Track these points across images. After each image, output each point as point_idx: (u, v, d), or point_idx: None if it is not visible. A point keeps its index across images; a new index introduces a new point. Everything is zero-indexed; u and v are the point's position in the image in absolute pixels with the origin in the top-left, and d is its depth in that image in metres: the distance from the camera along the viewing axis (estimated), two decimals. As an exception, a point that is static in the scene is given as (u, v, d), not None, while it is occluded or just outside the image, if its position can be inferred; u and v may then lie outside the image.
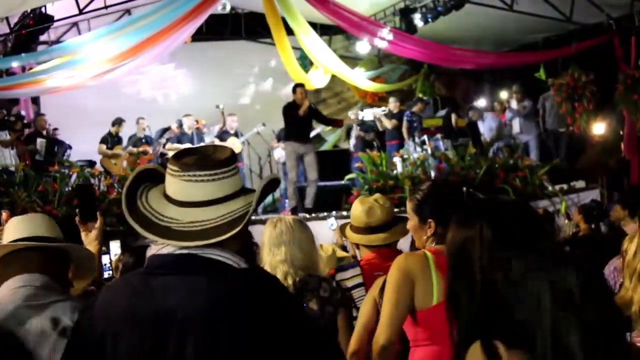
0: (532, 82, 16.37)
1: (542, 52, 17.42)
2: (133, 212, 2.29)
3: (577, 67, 15.43)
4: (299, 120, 13.35)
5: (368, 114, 16.50)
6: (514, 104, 15.98)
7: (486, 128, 16.51)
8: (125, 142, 15.48)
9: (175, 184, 2.27)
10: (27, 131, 14.64)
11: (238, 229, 2.20)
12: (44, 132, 14.87)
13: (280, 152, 15.73)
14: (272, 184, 2.40)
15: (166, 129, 15.68)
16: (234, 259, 2.21)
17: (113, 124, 15.41)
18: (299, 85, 13.90)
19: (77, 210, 3.73)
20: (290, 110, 13.43)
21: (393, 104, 16.41)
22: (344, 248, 7.62)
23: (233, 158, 2.32)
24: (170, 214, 2.25)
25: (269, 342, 2.10)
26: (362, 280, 4.53)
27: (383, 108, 16.66)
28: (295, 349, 2.19)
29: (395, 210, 5.11)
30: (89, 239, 3.60)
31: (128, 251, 4.59)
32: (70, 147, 15.05)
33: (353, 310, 4.32)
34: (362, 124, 16.34)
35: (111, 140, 15.27)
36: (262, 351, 2.09)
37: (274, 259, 4.18)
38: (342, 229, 5.08)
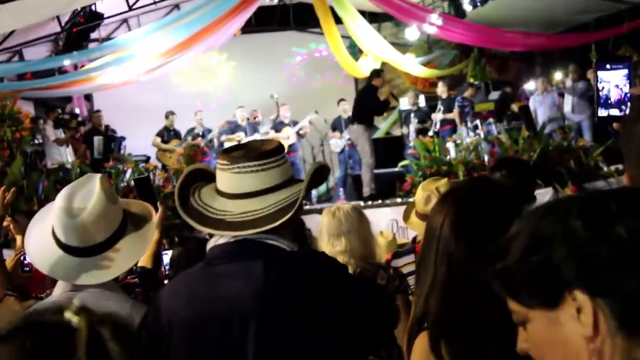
0: (583, 63, 16.08)
1: (593, 33, 17.12)
2: (186, 208, 2.35)
3: (629, 46, 15.16)
4: (378, 104, 13.21)
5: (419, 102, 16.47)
6: (568, 83, 15.73)
7: (547, 105, 16.15)
8: (183, 135, 15.59)
9: (226, 177, 2.32)
10: (82, 129, 14.83)
11: (288, 215, 2.23)
12: (101, 129, 15.05)
13: (336, 142, 15.62)
14: (321, 171, 2.42)
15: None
16: (289, 245, 2.26)
17: (166, 117, 15.56)
18: (382, 70, 13.96)
19: None
20: (373, 94, 13.16)
21: (441, 88, 16.21)
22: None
23: (280, 149, 2.36)
24: (222, 206, 2.30)
25: (329, 322, 2.15)
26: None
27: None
28: (359, 324, 2.24)
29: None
30: None
31: (178, 244, 4.59)
32: (124, 139, 15.25)
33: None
34: (418, 111, 16.20)
35: (167, 134, 15.36)
36: (323, 330, 2.14)
37: (333, 249, 4.14)
38: (407, 210, 4.97)
